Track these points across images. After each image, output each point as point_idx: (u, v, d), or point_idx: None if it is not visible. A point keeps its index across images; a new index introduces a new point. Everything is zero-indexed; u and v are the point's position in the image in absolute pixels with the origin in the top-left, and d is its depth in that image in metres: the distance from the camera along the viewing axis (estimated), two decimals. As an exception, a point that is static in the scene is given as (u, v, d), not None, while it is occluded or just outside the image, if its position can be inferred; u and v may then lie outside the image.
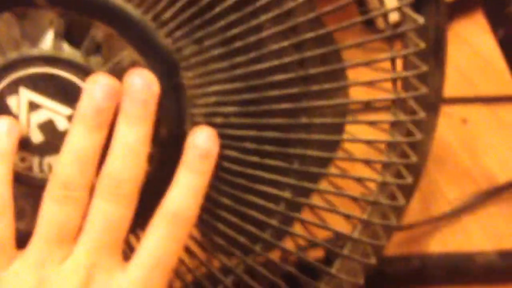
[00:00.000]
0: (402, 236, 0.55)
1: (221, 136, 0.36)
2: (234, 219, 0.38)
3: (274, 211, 0.38)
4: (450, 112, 0.65)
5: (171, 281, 0.40)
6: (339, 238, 0.41)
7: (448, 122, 0.65)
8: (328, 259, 0.43)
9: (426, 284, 0.52)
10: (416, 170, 0.43)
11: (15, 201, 0.35)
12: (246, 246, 0.38)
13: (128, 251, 0.36)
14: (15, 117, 0.34)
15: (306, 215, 0.40)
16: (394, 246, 0.54)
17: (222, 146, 0.36)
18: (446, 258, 0.53)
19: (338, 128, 0.41)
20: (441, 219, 0.56)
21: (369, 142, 0.40)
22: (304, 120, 0.37)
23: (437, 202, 0.59)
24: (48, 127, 0.34)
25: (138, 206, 0.34)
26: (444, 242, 0.56)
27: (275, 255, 0.40)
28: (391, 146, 0.42)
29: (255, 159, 0.37)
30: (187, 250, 0.39)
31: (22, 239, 0.34)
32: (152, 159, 0.35)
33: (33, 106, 0.34)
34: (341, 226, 0.41)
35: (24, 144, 0.34)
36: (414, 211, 0.57)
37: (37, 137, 0.35)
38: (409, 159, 0.41)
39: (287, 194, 0.38)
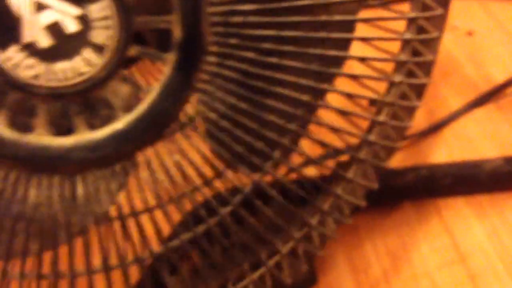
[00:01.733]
0: (409, 149, 0.55)
1: (240, 36, 0.34)
2: (252, 125, 0.36)
3: (293, 115, 0.37)
4: (456, 25, 0.64)
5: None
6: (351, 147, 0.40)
7: (454, 35, 0.64)
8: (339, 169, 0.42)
9: (435, 194, 0.52)
10: (428, 69, 0.42)
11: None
12: (265, 152, 0.37)
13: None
14: (18, 19, 0.31)
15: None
16: (401, 160, 0.54)
17: (241, 47, 0.34)
18: (454, 167, 0.52)
19: (350, 26, 0.39)
20: (444, 125, 0.56)
21: (382, 39, 0.39)
22: (324, 17, 0.36)
23: (443, 116, 0.58)
24: (55, 29, 0.31)
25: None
26: (450, 153, 0.55)
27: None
28: (404, 45, 0.40)
29: (274, 60, 0.35)
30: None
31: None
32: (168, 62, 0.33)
33: (38, 6, 0.31)
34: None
35: (31, 50, 0.31)
36: (419, 126, 0.56)
37: (44, 42, 0.31)
38: (423, 57, 0.40)
39: (306, 97, 0.37)
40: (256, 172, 0.37)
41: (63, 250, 0.36)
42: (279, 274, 0.41)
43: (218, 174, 0.37)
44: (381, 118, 0.40)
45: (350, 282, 0.47)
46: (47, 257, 0.36)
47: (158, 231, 0.37)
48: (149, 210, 0.36)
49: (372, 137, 0.40)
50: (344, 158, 0.41)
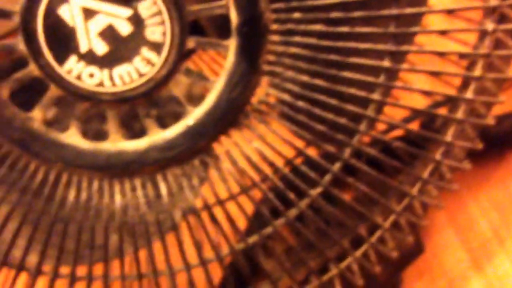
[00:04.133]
0: (506, 93, 0.49)
1: (303, 9, 0.31)
2: (332, 101, 0.33)
3: (374, 84, 0.34)
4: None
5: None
6: (449, 100, 0.37)
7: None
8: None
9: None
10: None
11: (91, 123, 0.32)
12: (349, 128, 0.34)
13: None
14: (72, 30, 0.30)
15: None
16: (498, 106, 0.49)
17: (306, 21, 0.31)
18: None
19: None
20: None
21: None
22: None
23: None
24: (109, 34, 0.31)
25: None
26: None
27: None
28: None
29: (345, 28, 0.32)
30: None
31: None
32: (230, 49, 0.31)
33: (88, 13, 0.30)
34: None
35: (89, 58, 0.31)
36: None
37: (100, 48, 0.31)
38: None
39: (386, 63, 0.34)
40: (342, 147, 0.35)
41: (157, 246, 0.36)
42: (383, 249, 0.39)
43: (300, 154, 0.35)
44: (476, 72, 0.36)
45: (457, 243, 0.44)
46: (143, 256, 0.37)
47: (247, 218, 0.36)
48: (233, 197, 0.35)
49: (468, 95, 0.36)
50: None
